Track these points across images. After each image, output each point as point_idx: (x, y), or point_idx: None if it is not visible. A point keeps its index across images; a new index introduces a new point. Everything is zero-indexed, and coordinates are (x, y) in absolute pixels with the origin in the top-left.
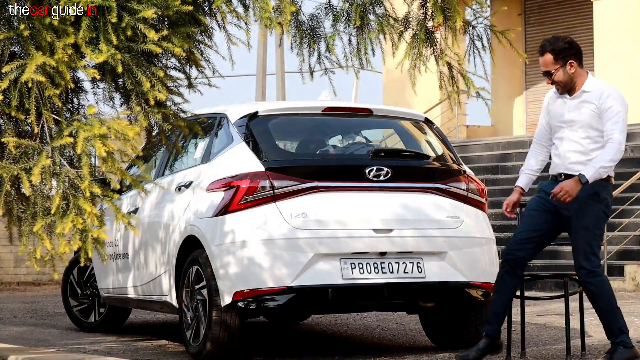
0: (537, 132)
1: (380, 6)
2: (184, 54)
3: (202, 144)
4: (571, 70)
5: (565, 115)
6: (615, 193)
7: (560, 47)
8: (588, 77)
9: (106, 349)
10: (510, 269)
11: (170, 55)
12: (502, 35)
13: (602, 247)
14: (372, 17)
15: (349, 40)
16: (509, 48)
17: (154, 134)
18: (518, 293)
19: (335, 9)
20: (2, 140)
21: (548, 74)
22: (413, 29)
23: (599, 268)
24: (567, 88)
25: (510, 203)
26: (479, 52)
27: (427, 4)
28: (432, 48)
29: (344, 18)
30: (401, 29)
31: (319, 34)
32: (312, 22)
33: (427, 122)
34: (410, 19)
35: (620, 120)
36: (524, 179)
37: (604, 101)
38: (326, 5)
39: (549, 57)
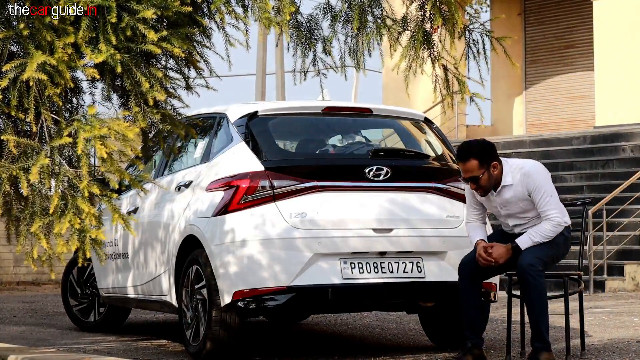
0: (471, 214)
1: (379, 7)
2: (183, 55)
3: (201, 144)
4: (495, 171)
5: (502, 211)
6: (615, 193)
7: (484, 152)
8: (504, 168)
9: (106, 349)
10: (469, 280)
11: (169, 56)
12: (498, 41)
13: (602, 247)
14: (370, 18)
15: (345, 41)
16: (509, 47)
17: (151, 135)
18: (517, 293)
19: (334, 9)
20: (2, 138)
21: (474, 180)
22: (411, 31)
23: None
24: (489, 190)
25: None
26: (474, 56)
27: (426, 6)
28: (429, 50)
29: (342, 19)
30: (399, 31)
31: (316, 35)
32: (310, 24)
33: (427, 121)
34: (408, 21)
35: (548, 195)
36: (480, 234)
37: (527, 186)
38: (325, 6)
39: (474, 162)
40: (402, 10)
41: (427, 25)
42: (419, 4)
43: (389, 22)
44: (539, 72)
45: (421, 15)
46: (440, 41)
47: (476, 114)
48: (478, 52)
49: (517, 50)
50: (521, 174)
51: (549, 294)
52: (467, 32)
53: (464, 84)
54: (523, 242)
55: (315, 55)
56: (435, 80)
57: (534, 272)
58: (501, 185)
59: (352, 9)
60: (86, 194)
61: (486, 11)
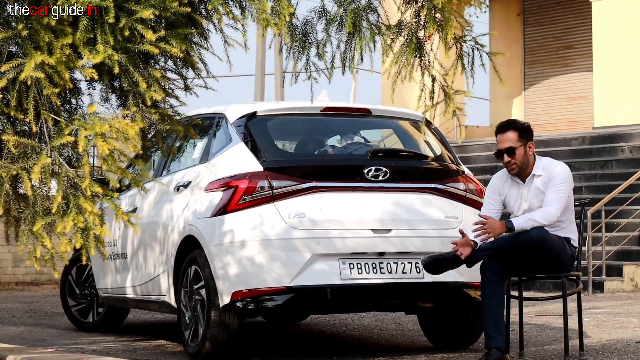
0: (485, 211)
1: (374, 13)
2: (181, 55)
3: (200, 144)
4: (530, 151)
5: (523, 205)
6: (614, 194)
7: (524, 127)
8: (537, 161)
9: (104, 349)
10: (494, 280)
11: (167, 57)
12: (489, 57)
13: (601, 248)
14: (364, 23)
15: (338, 45)
16: (508, 48)
17: (149, 136)
18: (516, 293)
19: (329, 13)
20: (2, 138)
21: (511, 151)
22: (404, 37)
23: None
24: (522, 169)
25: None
26: (463, 68)
27: (421, 14)
28: (420, 59)
29: (336, 23)
30: (393, 37)
31: (310, 39)
32: (306, 27)
33: (426, 122)
34: (402, 27)
35: (562, 190)
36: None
37: (550, 173)
38: (320, 9)
39: (512, 134)
40: (398, 16)
41: (421, 33)
42: (415, 11)
43: (383, 28)
44: (538, 73)
45: (416, 22)
46: (432, 50)
47: (476, 114)
48: (463, 66)
49: (516, 50)
50: (552, 167)
51: (547, 295)
52: (458, 44)
53: (450, 97)
54: (517, 221)
55: (308, 59)
56: (422, 90)
57: (539, 236)
58: (532, 174)
59: (346, 13)
60: (89, 193)
61: (485, 11)
